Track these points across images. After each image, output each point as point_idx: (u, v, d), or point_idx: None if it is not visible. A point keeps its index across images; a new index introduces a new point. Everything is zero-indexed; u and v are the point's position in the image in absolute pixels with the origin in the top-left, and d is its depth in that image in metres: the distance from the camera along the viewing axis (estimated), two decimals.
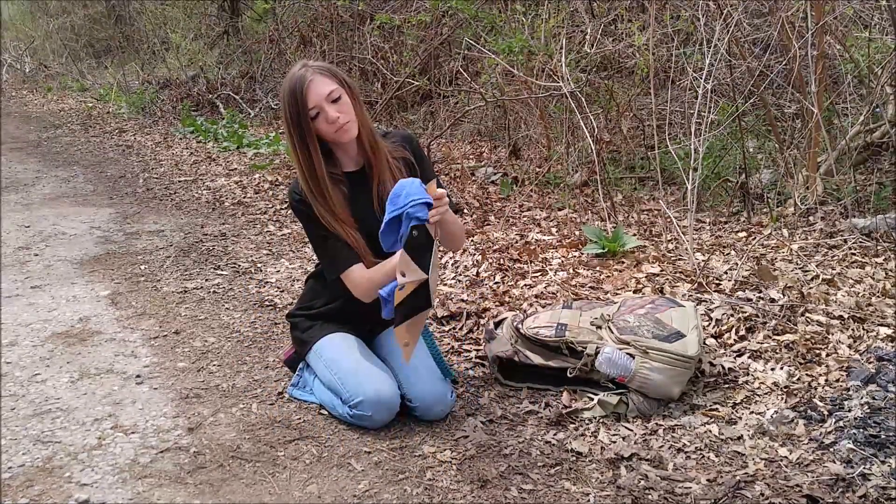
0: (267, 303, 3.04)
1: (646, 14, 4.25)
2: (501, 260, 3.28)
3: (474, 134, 5.83)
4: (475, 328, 2.71)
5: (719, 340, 2.46)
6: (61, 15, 12.73)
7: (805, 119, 3.68)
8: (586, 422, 2.09)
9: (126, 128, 7.65)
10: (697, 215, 3.53)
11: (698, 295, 2.74)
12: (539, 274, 3.13)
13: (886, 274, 2.82)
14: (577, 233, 3.58)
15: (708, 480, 1.82)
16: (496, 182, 4.64)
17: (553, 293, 2.91)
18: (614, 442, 1.99)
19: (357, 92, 2.09)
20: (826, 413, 2.04)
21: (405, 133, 2.29)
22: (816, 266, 2.92)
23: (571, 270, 3.13)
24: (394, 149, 2.18)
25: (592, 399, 2.14)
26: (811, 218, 3.46)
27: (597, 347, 2.16)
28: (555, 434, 2.03)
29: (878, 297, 2.64)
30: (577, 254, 3.34)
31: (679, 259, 3.15)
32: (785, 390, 2.17)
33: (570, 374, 2.19)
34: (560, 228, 3.73)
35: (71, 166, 5.93)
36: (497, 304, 2.85)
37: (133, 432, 2.07)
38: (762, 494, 1.76)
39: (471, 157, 5.36)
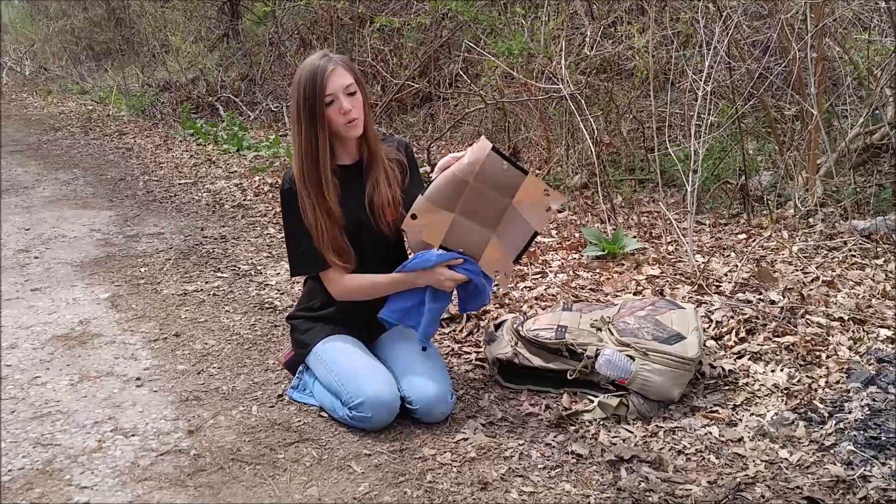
0: (267, 305, 3.04)
1: (645, 16, 4.26)
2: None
3: (474, 136, 5.82)
4: (475, 330, 2.71)
5: (719, 342, 2.46)
6: (61, 18, 12.76)
7: (805, 121, 3.68)
8: (586, 424, 2.09)
9: (126, 130, 7.65)
10: (697, 217, 3.53)
11: (698, 297, 2.74)
12: (539, 276, 3.13)
13: (886, 276, 2.82)
14: (577, 235, 3.58)
15: (708, 482, 1.82)
16: None
17: (553, 295, 2.91)
18: (614, 444, 1.99)
19: (366, 90, 2.12)
20: (826, 415, 2.04)
21: (402, 139, 2.34)
22: (816, 268, 2.93)
23: (571, 272, 3.13)
24: (389, 150, 2.21)
25: (593, 401, 2.14)
26: (811, 220, 3.46)
27: (597, 349, 2.16)
28: (555, 436, 2.03)
29: (879, 298, 2.64)
30: (577, 256, 3.34)
31: (679, 261, 3.15)
32: (785, 392, 2.17)
33: (571, 376, 2.19)
34: (560, 230, 3.73)
35: (71, 169, 5.93)
36: (497, 306, 2.85)
37: (133, 435, 2.07)
38: (762, 496, 1.75)
39: None
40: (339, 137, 2.12)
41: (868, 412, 1.99)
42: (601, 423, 2.09)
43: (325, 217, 2.09)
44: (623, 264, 3.18)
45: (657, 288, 2.88)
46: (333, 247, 2.12)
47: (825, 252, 3.10)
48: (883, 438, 1.89)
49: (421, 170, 2.32)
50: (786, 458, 1.89)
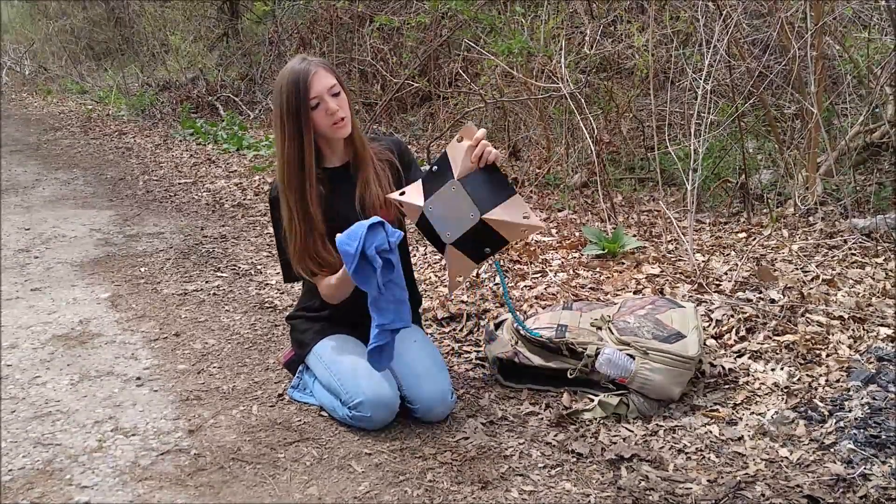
0: (267, 305, 3.04)
1: (645, 15, 4.25)
2: (501, 261, 3.28)
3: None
4: (475, 329, 2.71)
5: (719, 341, 2.46)
6: (61, 17, 12.76)
7: (804, 119, 3.68)
8: (587, 423, 2.09)
9: (126, 130, 7.65)
10: (697, 216, 3.53)
11: (698, 296, 2.74)
12: (539, 275, 3.13)
13: (886, 274, 2.82)
14: (577, 234, 3.58)
15: (708, 481, 1.82)
16: None
17: (553, 294, 2.91)
18: (615, 443, 1.99)
19: (349, 92, 2.11)
20: (826, 413, 2.04)
21: (394, 138, 2.32)
22: (816, 266, 2.92)
23: (571, 271, 3.13)
24: (380, 151, 2.19)
25: (593, 400, 2.14)
26: (811, 218, 3.46)
27: (597, 348, 2.16)
28: (555, 435, 2.03)
29: (879, 297, 2.64)
30: (577, 255, 3.34)
31: (679, 260, 3.15)
32: (785, 391, 2.17)
33: (571, 375, 2.19)
34: (560, 229, 3.73)
35: (71, 169, 5.93)
36: (497, 305, 2.85)
37: (133, 434, 2.07)
38: (763, 495, 1.75)
39: None
40: (327, 139, 2.11)
41: (868, 411, 1.99)
42: (601, 421, 2.09)
43: (301, 223, 2.06)
44: (623, 263, 3.18)
45: (657, 287, 2.88)
46: (308, 254, 2.08)
47: (825, 250, 3.10)
48: (883, 437, 1.89)
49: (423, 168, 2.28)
50: (786, 457, 1.89)
